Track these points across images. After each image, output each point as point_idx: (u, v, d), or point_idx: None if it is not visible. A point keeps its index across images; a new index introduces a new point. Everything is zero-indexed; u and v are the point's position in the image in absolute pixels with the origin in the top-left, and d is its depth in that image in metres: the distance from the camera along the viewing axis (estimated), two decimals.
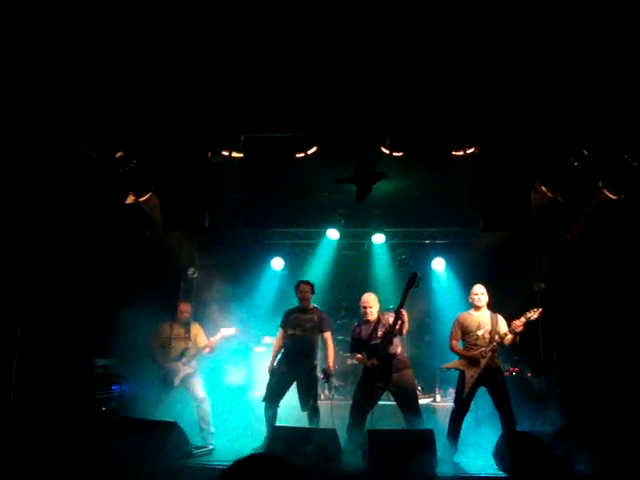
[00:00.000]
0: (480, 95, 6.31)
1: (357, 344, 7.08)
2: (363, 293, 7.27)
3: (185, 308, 7.77)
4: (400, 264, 10.67)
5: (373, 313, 7.04)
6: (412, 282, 6.63)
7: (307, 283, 7.56)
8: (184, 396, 7.46)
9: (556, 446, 6.03)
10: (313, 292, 7.50)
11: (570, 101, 6.27)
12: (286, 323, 7.42)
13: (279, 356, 7.39)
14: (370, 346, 6.89)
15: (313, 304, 7.52)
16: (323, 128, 6.74)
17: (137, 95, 6.31)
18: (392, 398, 7.05)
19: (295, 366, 7.16)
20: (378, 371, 6.69)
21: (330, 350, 7.33)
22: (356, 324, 7.33)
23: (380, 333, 6.86)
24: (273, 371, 7.22)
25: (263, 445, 6.83)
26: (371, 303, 7.07)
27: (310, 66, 5.84)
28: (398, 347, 6.83)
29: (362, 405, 6.77)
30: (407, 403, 6.75)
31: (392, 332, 6.67)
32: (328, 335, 7.36)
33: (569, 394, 8.78)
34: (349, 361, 9.30)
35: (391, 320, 6.78)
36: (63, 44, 5.26)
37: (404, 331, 6.72)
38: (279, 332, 7.55)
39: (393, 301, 8.18)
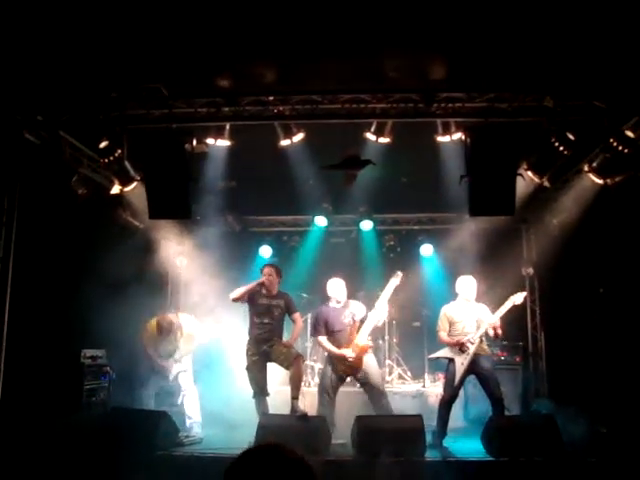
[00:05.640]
0: (465, 79, 6.31)
1: (321, 327, 7.00)
2: (343, 281, 7.22)
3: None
4: (388, 250, 10.67)
5: (341, 299, 7.06)
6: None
7: (272, 266, 7.25)
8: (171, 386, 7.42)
9: (544, 429, 6.09)
10: (280, 276, 7.14)
11: (555, 84, 6.27)
12: (254, 309, 7.00)
13: (249, 342, 6.97)
14: (334, 332, 6.92)
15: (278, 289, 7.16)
16: (308, 115, 6.70)
17: (121, 84, 6.28)
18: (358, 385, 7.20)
19: (265, 349, 6.84)
20: (350, 363, 6.77)
21: (298, 329, 7.20)
22: (322, 306, 7.28)
23: (347, 320, 6.91)
24: (248, 366, 6.86)
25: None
26: (340, 289, 7.08)
27: (292, 51, 5.81)
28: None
29: (329, 392, 6.85)
30: (372, 385, 6.83)
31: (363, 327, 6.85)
32: (297, 316, 7.14)
33: (557, 377, 8.87)
34: None
35: (358, 308, 6.95)
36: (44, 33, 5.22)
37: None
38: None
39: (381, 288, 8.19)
